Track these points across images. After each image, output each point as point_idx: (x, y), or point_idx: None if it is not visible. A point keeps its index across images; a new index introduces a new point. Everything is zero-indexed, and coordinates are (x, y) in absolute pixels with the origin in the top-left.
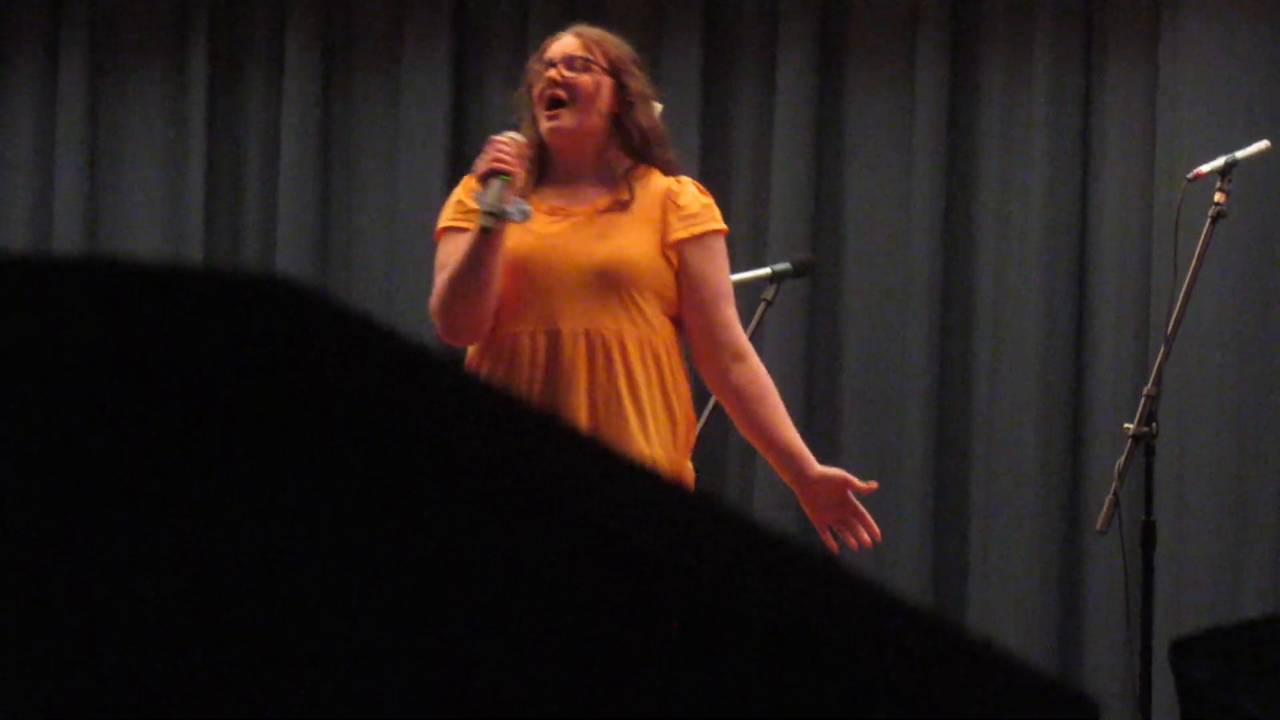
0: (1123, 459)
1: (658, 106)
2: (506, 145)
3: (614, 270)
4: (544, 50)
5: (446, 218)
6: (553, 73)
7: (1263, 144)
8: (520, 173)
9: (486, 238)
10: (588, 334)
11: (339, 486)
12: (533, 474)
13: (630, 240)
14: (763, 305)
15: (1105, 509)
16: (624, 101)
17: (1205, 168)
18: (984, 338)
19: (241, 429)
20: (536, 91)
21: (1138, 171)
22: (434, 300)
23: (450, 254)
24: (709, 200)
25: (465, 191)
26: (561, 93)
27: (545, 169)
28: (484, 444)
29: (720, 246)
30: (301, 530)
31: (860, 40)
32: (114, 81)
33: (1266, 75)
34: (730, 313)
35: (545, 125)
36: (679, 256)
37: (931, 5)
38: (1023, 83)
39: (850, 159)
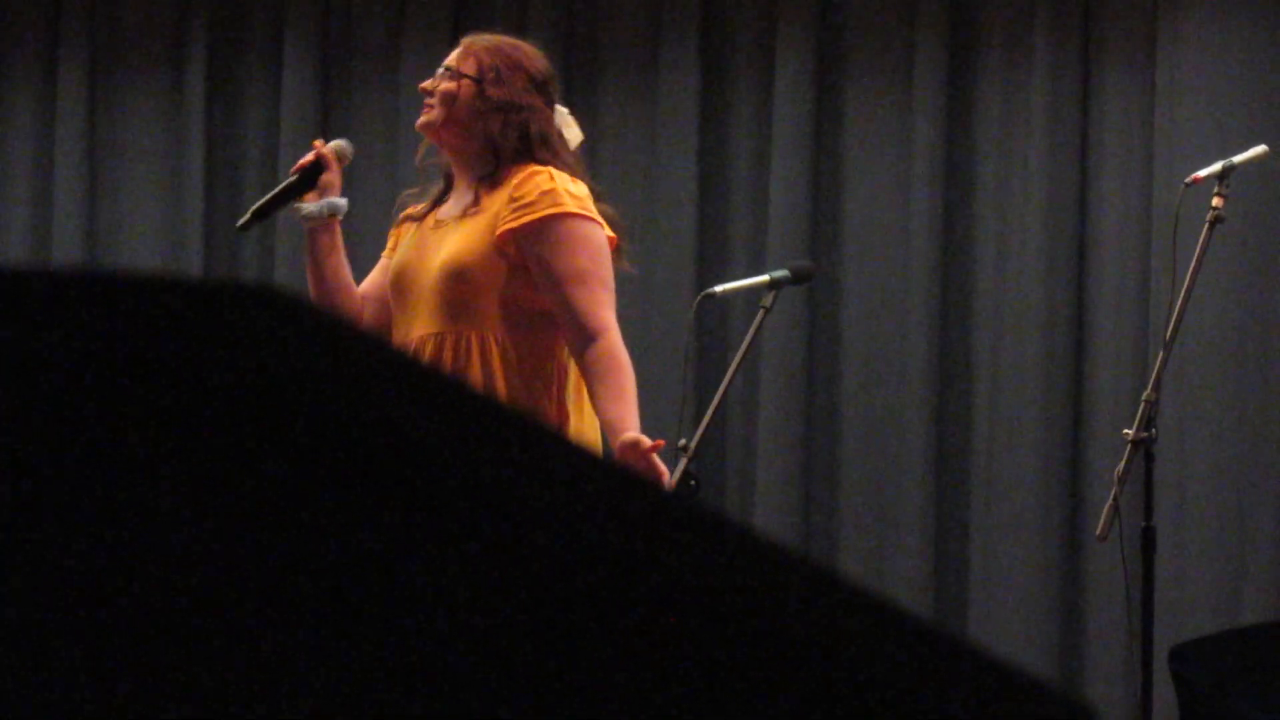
0: (1122, 465)
1: (561, 110)
2: (312, 149)
3: (447, 274)
4: None
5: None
6: (426, 82)
7: (1260, 149)
8: (317, 171)
9: (309, 240)
10: (429, 339)
11: (334, 497)
12: (524, 482)
13: (464, 242)
14: (761, 313)
15: (1105, 515)
16: (480, 108)
17: (1203, 173)
18: (983, 344)
19: (235, 440)
20: None
21: (1136, 176)
22: None
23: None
24: (553, 186)
25: (393, 225)
26: (429, 99)
27: (447, 189)
28: (476, 454)
29: (566, 230)
30: (288, 535)
31: (858, 47)
32: (112, 90)
33: (1264, 80)
34: (580, 294)
35: (419, 122)
36: (516, 247)
37: (929, 12)
38: (1021, 88)
39: (848, 166)
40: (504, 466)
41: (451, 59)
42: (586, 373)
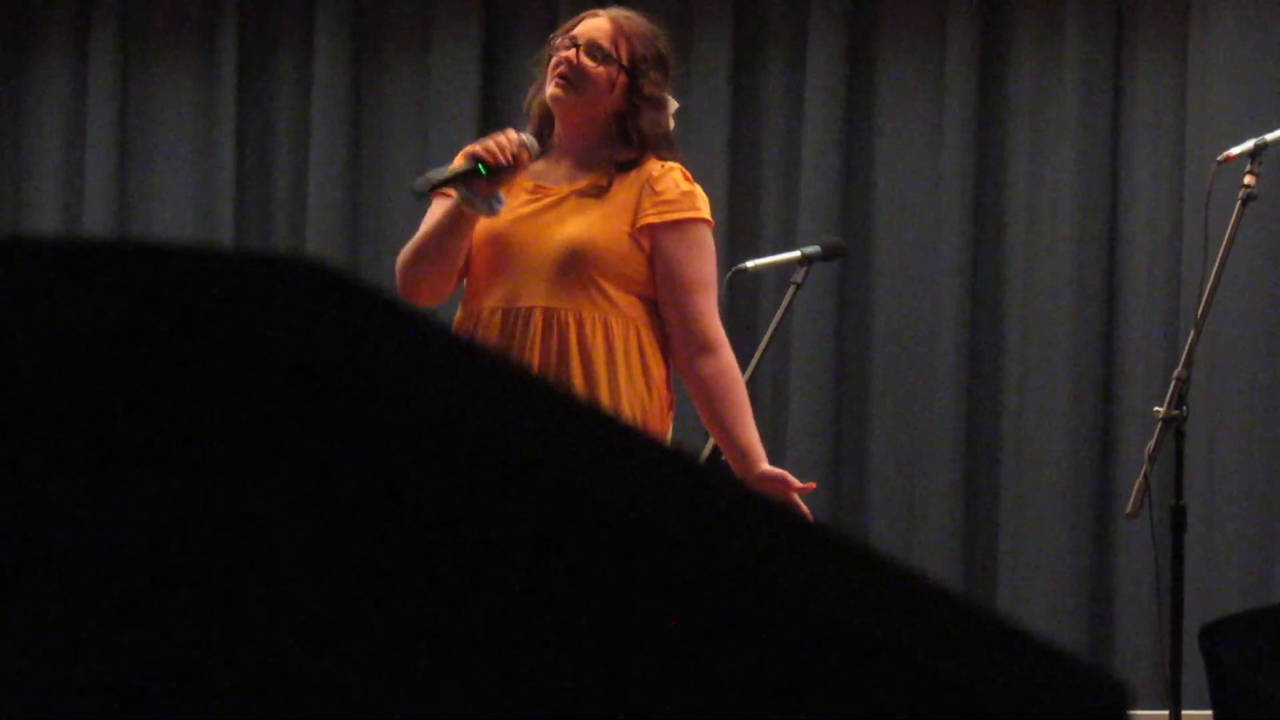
0: (1153, 442)
1: (673, 104)
2: (507, 143)
3: (575, 251)
4: (574, 23)
5: None
6: (570, 53)
7: None
8: (509, 169)
9: (456, 219)
10: (544, 312)
11: (367, 468)
12: (564, 457)
13: (597, 223)
14: (792, 288)
15: (1135, 493)
16: (631, 103)
17: (1235, 150)
18: (1014, 322)
19: (270, 411)
20: (552, 63)
21: (1168, 154)
22: (400, 257)
23: (430, 218)
24: (691, 188)
25: (461, 162)
26: (570, 73)
27: (542, 142)
28: (512, 428)
29: (699, 236)
30: (324, 511)
31: (891, 26)
32: (144, 63)
33: None
34: (703, 302)
35: (549, 90)
36: (651, 241)
37: None
38: (1053, 66)
39: (880, 143)
40: (562, 449)
41: (602, 37)
42: (702, 385)
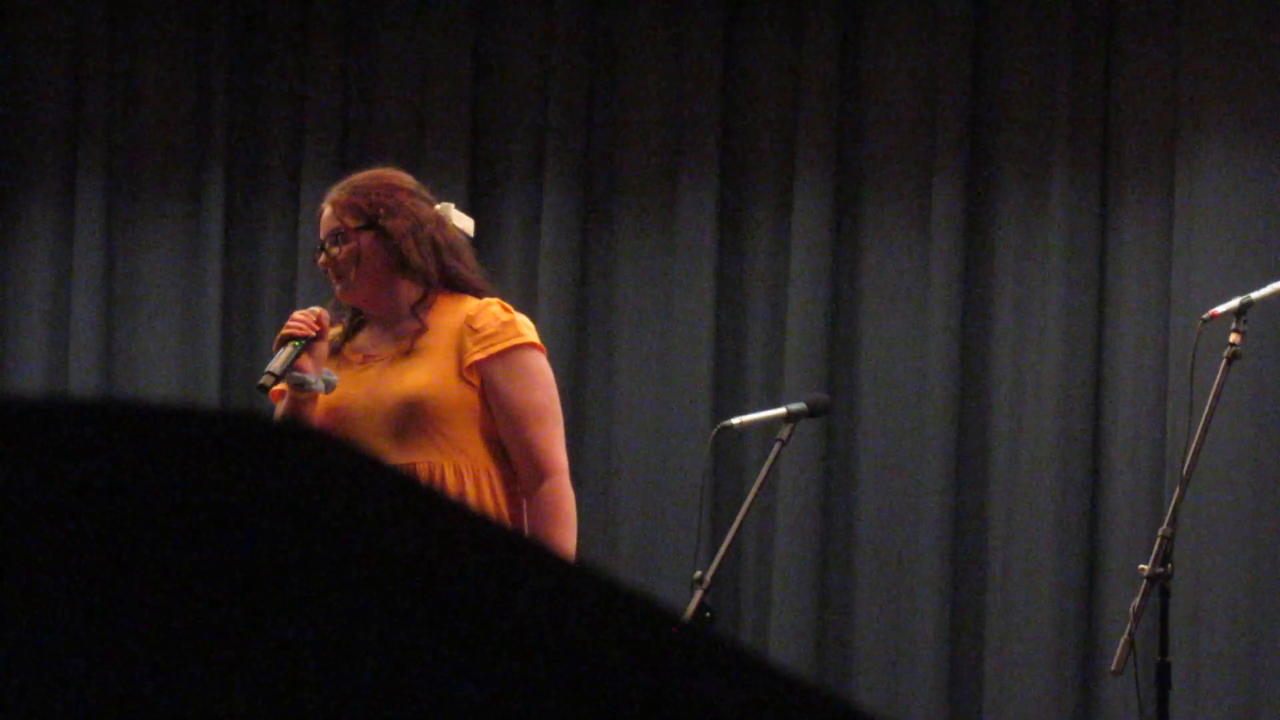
0: (1138, 600)
1: (447, 205)
2: (302, 316)
3: (414, 405)
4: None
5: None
6: (322, 258)
7: (1278, 285)
8: (317, 339)
9: (295, 404)
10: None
11: (351, 623)
12: (533, 607)
13: (428, 373)
14: (778, 445)
15: (1120, 650)
16: (389, 245)
17: (1220, 308)
18: (999, 478)
19: (252, 566)
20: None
21: (1153, 310)
22: None
23: None
24: (511, 317)
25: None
26: (335, 270)
27: (358, 319)
28: (491, 578)
29: (526, 361)
30: (305, 662)
31: (876, 181)
32: (130, 217)
33: None
34: (540, 430)
35: (338, 292)
36: (480, 378)
37: (947, 145)
38: (1038, 220)
39: (866, 299)
40: (510, 581)
41: (333, 223)
42: (536, 509)
